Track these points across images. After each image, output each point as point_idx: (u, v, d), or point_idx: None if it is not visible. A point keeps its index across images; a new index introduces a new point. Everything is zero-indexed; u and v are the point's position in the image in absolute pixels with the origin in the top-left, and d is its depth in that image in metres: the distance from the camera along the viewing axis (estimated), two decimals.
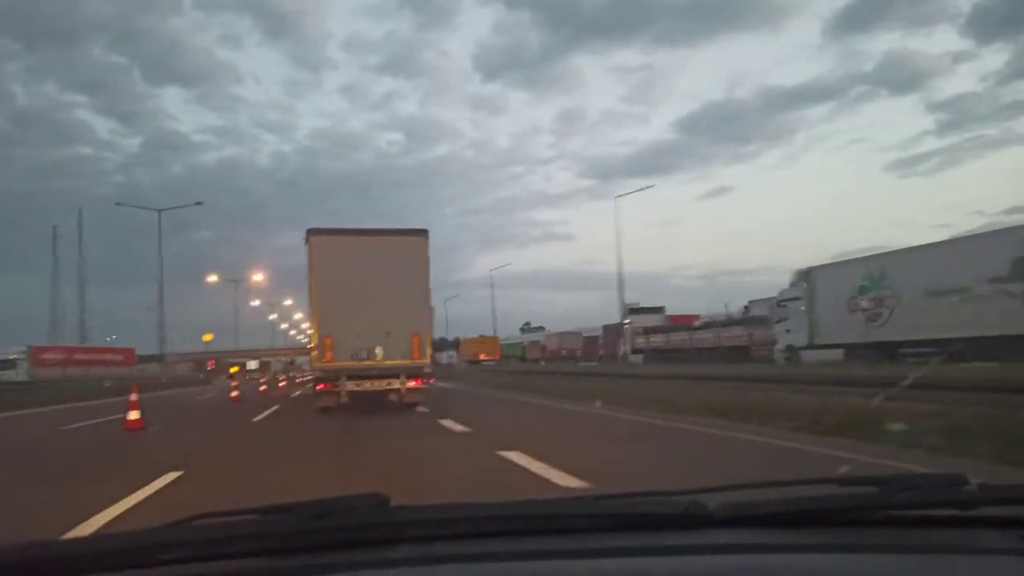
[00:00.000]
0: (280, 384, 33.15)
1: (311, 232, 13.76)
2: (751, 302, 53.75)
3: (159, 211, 39.49)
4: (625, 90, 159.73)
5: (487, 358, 73.35)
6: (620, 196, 48.49)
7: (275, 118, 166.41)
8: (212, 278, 59.91)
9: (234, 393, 22.14)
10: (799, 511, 1.22)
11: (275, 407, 17.38)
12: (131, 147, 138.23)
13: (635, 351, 56.29)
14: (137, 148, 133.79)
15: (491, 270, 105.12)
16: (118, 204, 39.98)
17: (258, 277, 62.34)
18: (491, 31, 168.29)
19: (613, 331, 61.94)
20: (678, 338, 52.80)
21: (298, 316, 76.47)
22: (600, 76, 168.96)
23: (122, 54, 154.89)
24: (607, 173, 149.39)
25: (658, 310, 70.16)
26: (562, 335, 76.21)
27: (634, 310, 53.70)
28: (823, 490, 1.29)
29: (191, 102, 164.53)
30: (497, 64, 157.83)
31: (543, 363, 65.88)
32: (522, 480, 5.87)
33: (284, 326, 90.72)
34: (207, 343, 57.82)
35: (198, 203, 45.63)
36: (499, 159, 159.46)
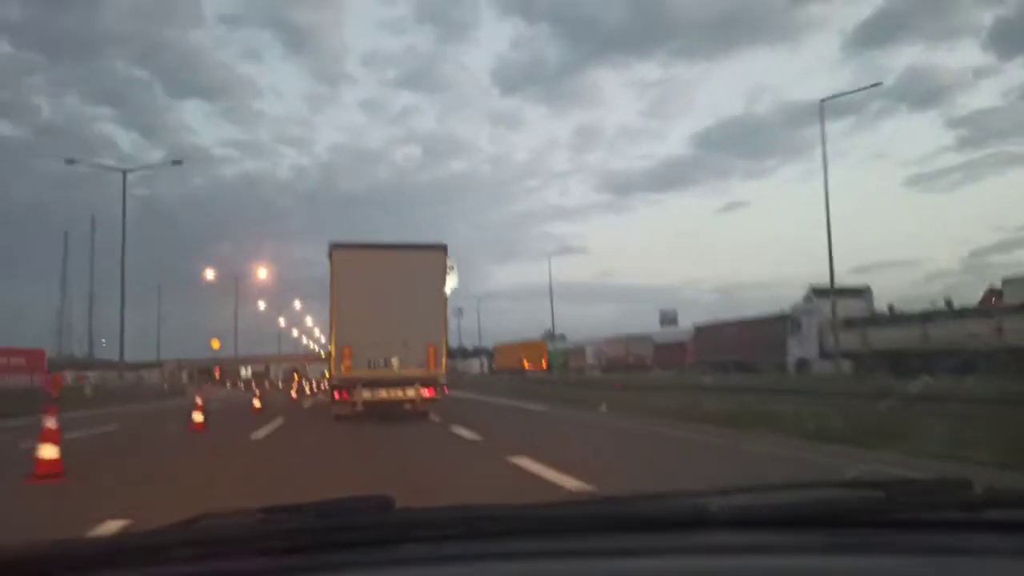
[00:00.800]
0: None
1: (333, 246, 14.32)
2: (1008, 280, 29.10)
3: (124, 171, 34.99)
4: (643, 104, 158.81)
5: (532, 367, 61.39)
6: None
7: (295, 132, 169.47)
8: (210, 275, 52.41)
9: (198, 418, 13.49)
10: (803, 513, 1.22)
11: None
12: (153, 160, 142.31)
13: (824, 355, 34.25)
14: (159, 161, 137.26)
15: (550, 259, 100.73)
16: (69, 161, 34.04)
17: (262, 273, 56.34)
18: (510, 45, 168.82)
19: (733, 330, 43.95)
20: (939, 332, 27.29)
21: (309, 322, 74.72)
22: (618, 90, 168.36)
23: (144, 67, 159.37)
24: (624, 187, 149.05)
25: (860, 291, 38.88)
26: (628, 340, 60.85)
27: (819, 291, 35.71)
28: (828, 493, 1.29)
29: (213, 115, 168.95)
30: (515, 78, 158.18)
31: (598, 372, 56.86)
32: None
33: (295, 334, 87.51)
34: (216, 350, 53.67)
35: (176, 162, 40.24)
36: (516, 173, 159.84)
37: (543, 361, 64.05)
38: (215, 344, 51.83)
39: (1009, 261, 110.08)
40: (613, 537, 1.18)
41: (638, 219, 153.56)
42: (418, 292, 14.01)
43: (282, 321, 77.12)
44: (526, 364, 62.67)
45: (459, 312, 79.42)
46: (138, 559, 1.04)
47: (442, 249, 14.57)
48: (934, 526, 1.20)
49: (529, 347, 66.13)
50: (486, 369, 77.09)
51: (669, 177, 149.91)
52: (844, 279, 31.35)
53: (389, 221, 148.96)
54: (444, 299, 14.52)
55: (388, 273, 14.00)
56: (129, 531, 1.29)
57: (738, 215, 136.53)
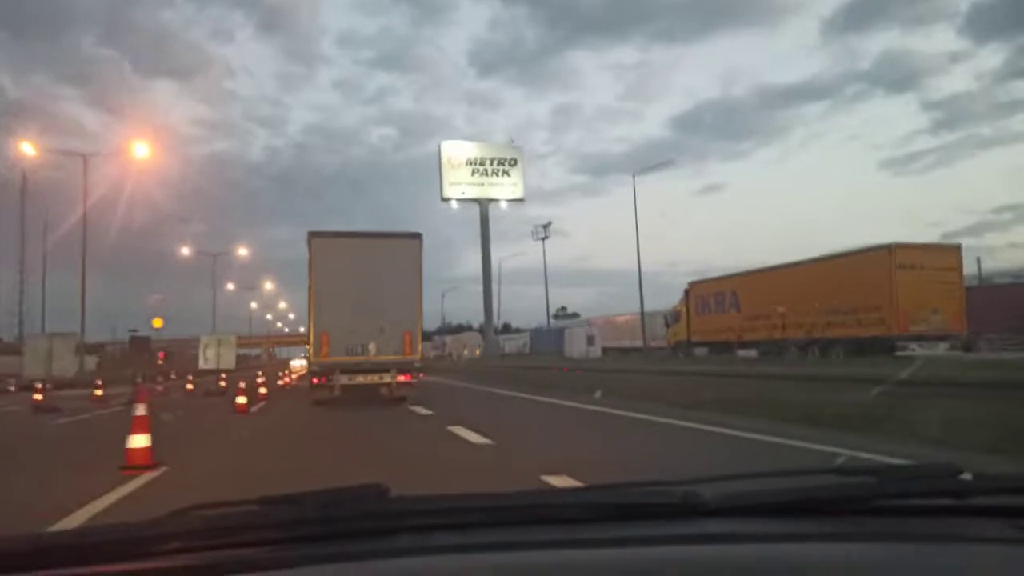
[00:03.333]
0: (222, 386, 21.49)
1: (312, 235, 14.70)
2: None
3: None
4: (621, 87, 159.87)
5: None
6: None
7: (267, 112, 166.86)
8: (185, 251, 53.43)
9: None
10: (794, 500, 1.23)
11: None
12: (120, 140, 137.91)
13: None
14: (125, 142, 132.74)
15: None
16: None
17: (243, 252, 56.37)
18: (487, 27, 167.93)
19: None
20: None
21: (283, 305, 73.48)
22: (596, 73, 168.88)
23: (113, 46, 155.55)
24: (601, 169, 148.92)
25: None
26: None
27: None
28: (819, 480, 1.29)
29: (182, 95, 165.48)
30: (493, 60, 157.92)
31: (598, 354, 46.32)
32: None
33: (269, 316, 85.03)
34: (157, 329, 45.52)
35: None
36: None
37: None
38: (157, 323, 44.21)
39: (980, 244, 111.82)
40: (605, 526, 1.19)
41: (615, 202, 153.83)
42: (394, 280, 14.40)
43: (254, 304, 75.09)
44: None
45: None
46: (132, 550, 1.03)
47: (417, 238, 15.00)
48: (925, 512, 1.22)
49: None
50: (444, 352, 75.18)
51: (647, 160, 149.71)
52: None
53: (364, 203, 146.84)
54: (419, 286, 14.94)
55: (365, 261, 14.38)
56: (128, 521, 1.15)
57: (716, 198, 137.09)
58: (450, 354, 70.87)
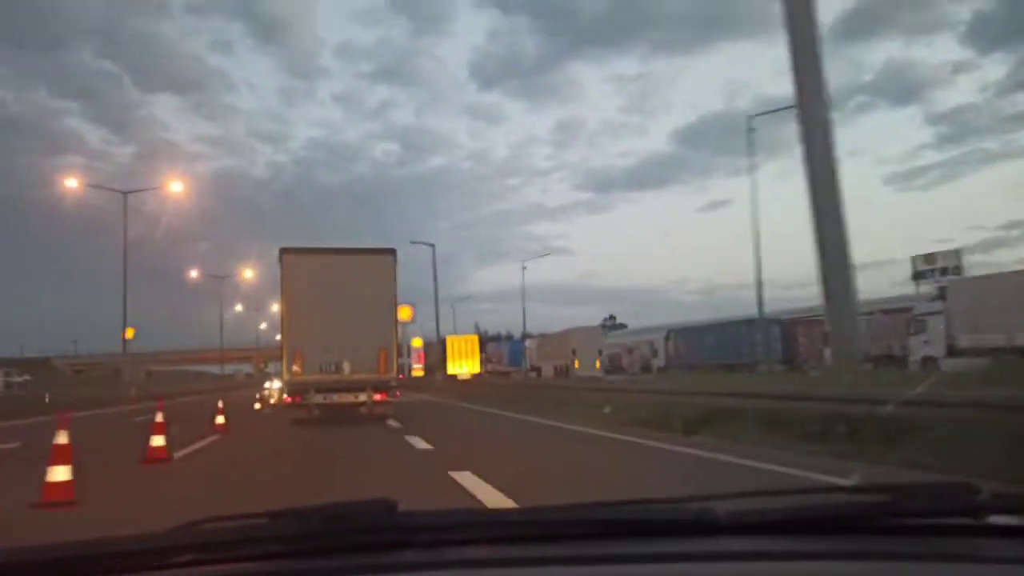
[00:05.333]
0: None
1: (283, 251, 14.50)
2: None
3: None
4: (623, 100, 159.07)
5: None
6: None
7: (270, 128, 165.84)
8: (193, 273, 56.08)
9: None
10: (808, 518, 1.22)
11: None
12: (123, 157, 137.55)
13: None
14: (129, 159, 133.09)
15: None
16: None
17: (243, 274, 55.93)
18: (487, 38, 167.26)
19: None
20: None
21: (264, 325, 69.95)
22: (598, 85, 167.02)
23: (112, 60, 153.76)
24: (605, 185, 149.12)
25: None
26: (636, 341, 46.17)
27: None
28: (833, 498, 1.29)
29: (185, 110, 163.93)
30: (493, 72, 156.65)
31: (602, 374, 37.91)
32: None
33: (278, 337, 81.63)
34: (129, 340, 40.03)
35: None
36: (497, 170, 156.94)
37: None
38: (128, 334, 39.00)
39: (989, 261, 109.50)
40: (617, 543, 1.17)
41: (620, 219, 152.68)
42: (368, 296, 14.20)
43: (263, 325, 71.72)
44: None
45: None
46: (140, 563, 1.01)
47: (391, 253, 14.84)
48: (941, 532, 1.20)
49: None
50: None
51: (650, 175, 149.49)
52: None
53: (368, 220, 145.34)
54: (394, 303, 14.75)
55: (338, 277, 14.18)
56: (136, 534, 1.09)
57: (721, 214, 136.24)
58: (531, 370, 49.89)
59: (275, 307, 68.91)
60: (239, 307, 66.85)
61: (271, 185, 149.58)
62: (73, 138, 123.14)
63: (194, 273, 57.25)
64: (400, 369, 37.06)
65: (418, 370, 48.64)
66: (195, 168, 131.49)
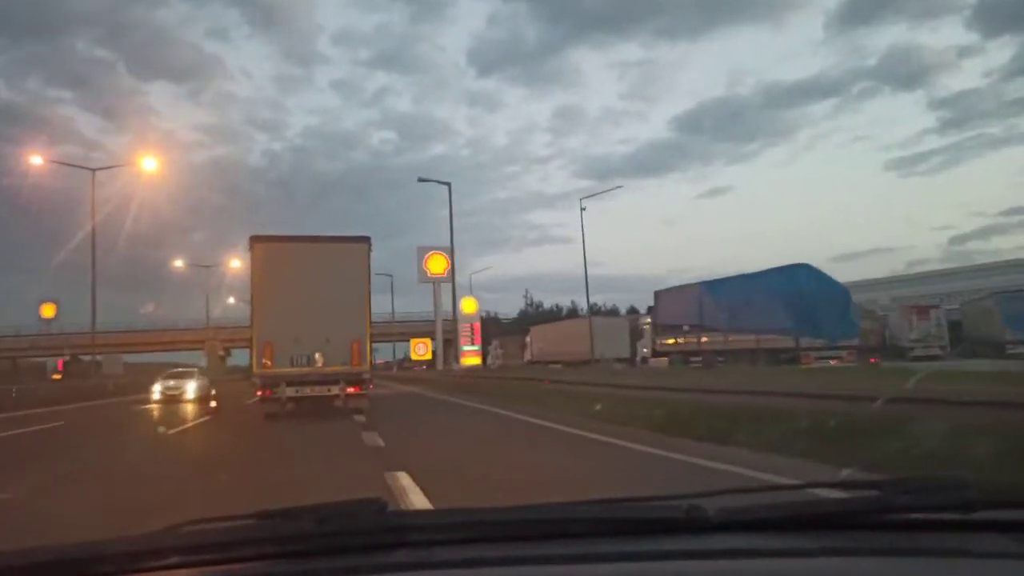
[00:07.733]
0: None
1: (253, 239, 14.05)
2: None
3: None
4: (624, 87, 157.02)
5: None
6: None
7: (266, 116, 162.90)
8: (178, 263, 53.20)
9: None
10: (799, 515, 1.22)
11: None
12: (119, 146, 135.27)
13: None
14: (125, 147, 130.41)
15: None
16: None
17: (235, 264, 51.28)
18: (486, 24, 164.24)
19: None
20: None
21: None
22: (599, 72, 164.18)
23: (107, 48, 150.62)
24: (605, 173, 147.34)
25: None
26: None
27: None
28: (824, 494, 1.29)
29: (180, 98, 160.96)
30: (493, 59, 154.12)
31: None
32: None
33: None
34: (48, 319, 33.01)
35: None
36: (496, 158, 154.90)
37: None
38: (47, 312, 32.60)
39: (988, 248, 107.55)
40: (608, 541, 1.18)
41: (620, 206, 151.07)
42: (341, 286, 13.81)
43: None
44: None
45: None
46: (129, 565, 1.00)
47: (365, 241, 14.39)
48: (931, 527, 1.20)
49: None
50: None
51: (651, 162, 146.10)
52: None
53: (366, 208, 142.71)
54: (368, 293, 14.35)
55: (309, 267, 13.80)
56: (123, 536, 1.08)
57: (722, 200, 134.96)
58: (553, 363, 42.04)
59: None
60: (231, 299, 60.96)
61: (267, 174, 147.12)
62: (67, 127, 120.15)
63: (179, 263, 54.79)
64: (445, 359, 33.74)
65: (472, 354, 42.18)
66: (191, 156, 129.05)
